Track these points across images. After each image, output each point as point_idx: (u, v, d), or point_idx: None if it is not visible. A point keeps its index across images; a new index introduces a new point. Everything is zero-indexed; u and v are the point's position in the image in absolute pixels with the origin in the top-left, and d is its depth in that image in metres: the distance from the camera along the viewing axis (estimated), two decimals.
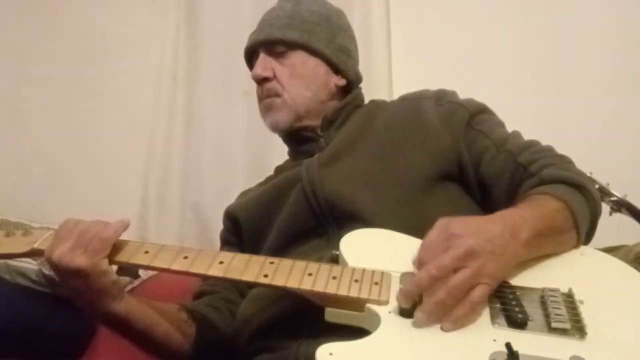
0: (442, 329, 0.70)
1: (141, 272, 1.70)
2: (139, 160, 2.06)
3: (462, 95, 1.10)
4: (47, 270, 1.52)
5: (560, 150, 1.00)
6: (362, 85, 1.22)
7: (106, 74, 2.18)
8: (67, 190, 1.98)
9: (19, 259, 1.54)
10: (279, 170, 1.18)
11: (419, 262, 0.75)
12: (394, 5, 1.94)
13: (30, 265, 1.55)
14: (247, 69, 2.02)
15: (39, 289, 1.55)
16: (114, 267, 0.88)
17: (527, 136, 1.05)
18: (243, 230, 1.11)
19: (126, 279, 1.59)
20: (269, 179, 1.18)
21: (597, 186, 1.11)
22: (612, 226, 0.95)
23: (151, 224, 2.00)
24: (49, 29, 2.24)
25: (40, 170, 2.07)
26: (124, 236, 0.87)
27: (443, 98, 1.07)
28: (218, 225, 1.93)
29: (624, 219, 1.30)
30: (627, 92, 1.70)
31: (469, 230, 0.73)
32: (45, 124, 2.14)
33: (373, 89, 1.65)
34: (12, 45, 2.23)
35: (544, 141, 1.02)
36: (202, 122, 2.07)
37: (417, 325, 0.71)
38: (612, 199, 1.28)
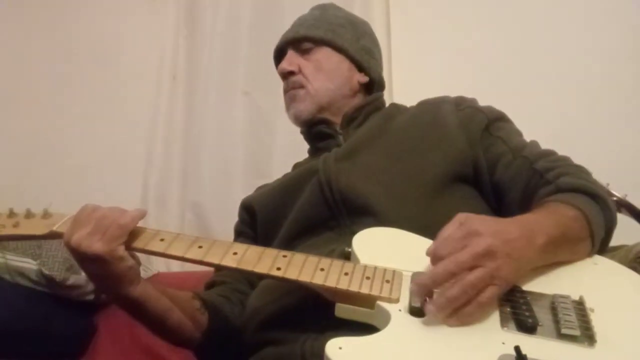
0: (447, 324, 0.71)
1: (141, 272, 1.70)
2: (139, 160, 2.06)
3: (462, 94, 1.12)
4: (47, 270, 1.51)
5: (560, 150, 1.00)
6: None
7: (106, 73, 2.17)
8: (67, 190, 1.96)
9: (18, 259, 1.53)
10: (297, 167, 1.21)
11: (434, 255, 0.74)
12: (394, 6, 1.95)
13: (30, 265, 1.54)
14: (246, 69, 2.05)
15: (39, 289, 1.54)
16: None
17: (527, 136, 1.06)
18: (258, 220, 1.13)
19: None
20: (287, 174, 1.20)
21: None
22: None
23: (151, 224, 1.98)
24: (50, 29, 2.23)
25: (41, 170, 2.06)
26: None
27: (463, 103, 1.08)
28: (218, 225, 1.95)
29: (624, 219, 1.31)
30: (628, 92, 1.71)
31: (488, 230, 0.73)
32: (45, 123, 2.13)
33: None
34: (12, 45, 2.22)
35: (544, 141, 1.03)
36: (202, 122, 2.07)
37: (427, 320, 0.71)
38: (612, 199, 1.29)
